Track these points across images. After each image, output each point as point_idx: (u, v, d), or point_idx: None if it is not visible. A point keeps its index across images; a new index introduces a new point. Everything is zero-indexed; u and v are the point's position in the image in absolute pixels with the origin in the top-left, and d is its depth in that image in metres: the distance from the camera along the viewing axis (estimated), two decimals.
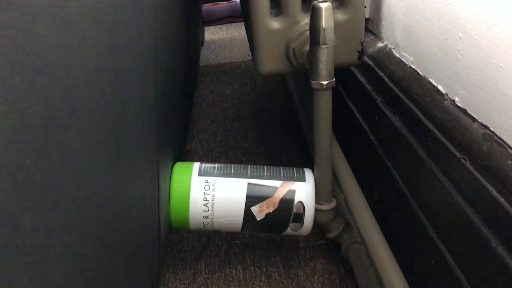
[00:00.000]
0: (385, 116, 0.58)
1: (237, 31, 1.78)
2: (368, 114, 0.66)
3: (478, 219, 0.39)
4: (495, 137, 0.39)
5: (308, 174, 0.61)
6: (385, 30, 0.64)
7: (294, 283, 0.65)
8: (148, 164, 0.44)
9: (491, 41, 0.39)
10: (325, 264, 0.68)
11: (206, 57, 1.55)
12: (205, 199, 0.58)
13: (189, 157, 0.97)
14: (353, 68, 0.71)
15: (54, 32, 0.21)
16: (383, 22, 0.64)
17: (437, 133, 0.46)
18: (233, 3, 1.43)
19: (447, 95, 0.47)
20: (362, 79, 0.67)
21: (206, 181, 0.59)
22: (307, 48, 0.56)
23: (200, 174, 0.59)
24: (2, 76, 0.18)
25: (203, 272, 0.68)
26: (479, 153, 0.39)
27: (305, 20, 0.57)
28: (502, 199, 0.36)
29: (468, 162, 0.41)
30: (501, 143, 0.38)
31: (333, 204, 0.62)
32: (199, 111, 1.17)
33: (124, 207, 0.33)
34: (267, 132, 1.04)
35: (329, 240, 0.69)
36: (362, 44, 0.59)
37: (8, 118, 0.18)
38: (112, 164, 0.30)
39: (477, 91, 0.41)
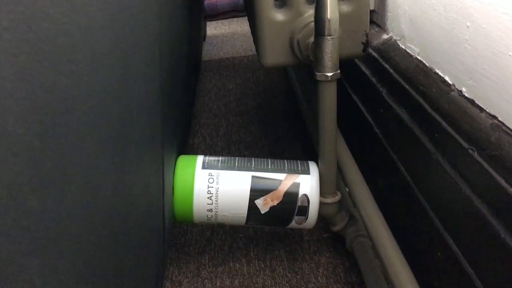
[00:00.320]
0: (390, 108, 0.57)
1: (239, 25, 1.77)
2: (373, 106, 0.65)
3: (486, 210, 0.38)
4: (503, 127, 0.38)
5: (313, 167, 0.60)
6: (390, 22, 0.63)
7: (299, 277, 0.65)
8: (153, 156, 0.43)
9: (499, 30, 0.39)
10: (330, 258, 0.68)
11: (209, 52, 1.54)
12: (209, 192, 0.58)
13: (192, 151, 0.97)
14: (357, 61, 0.70)
15: (62, 12, 0.21)
16: (388, 13, 0.63)
17: (444, 124, 0.45)
18: None
19: (454, 85, 0.46)
20: (366, 71, 0.67)
21: (210, 174, 0.59)
22: (311, 39, 0.55)
23: (204, 167, 0.59)
24: (14, 55, 0.18)
25: (207, 265, 0.68)
26: (487, 143, 0.39)
27: (309, 12, 0.56)
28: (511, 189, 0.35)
29: (476, 153, 0.40)
30: (510, 133, 0.37)
31: (337, 197, 0.62)
32: (201, 105, 1.16)
33: (130, 197, 0.33)
34: (269, 126, 1.04)
35: (334, 234, 0.69)
36: (367, 36, 0.58)
37: (15, 98, 0.17)
38: (119, 153, 0.30)
39: (485, 80, 0.41)
